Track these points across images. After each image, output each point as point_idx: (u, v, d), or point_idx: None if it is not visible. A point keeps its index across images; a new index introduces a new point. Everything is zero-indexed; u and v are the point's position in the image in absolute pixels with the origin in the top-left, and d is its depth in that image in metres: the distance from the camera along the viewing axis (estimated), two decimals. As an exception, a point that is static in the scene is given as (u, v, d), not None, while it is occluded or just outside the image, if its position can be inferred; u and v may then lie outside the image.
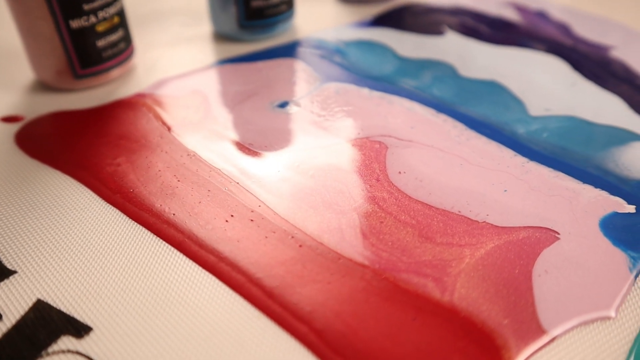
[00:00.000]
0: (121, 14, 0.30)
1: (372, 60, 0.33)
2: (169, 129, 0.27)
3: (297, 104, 0.28)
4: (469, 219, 0.21)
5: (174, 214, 0.22)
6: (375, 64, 0.32)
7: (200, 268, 0.20)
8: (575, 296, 0.19)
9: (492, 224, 0.21)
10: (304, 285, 0.19)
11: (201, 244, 0.20)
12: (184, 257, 0.20)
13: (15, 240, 0.21)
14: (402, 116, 0.27)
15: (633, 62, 0.33)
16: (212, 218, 0.21)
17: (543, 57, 0.33)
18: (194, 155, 0.25)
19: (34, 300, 0.19)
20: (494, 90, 0.30)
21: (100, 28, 0.28)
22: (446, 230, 0.21)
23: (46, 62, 0.29)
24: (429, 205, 0.22)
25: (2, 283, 0.19)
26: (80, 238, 0.21)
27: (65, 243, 0.21)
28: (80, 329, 0.18)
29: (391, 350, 0.17)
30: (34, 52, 0.29)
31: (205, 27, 0.37)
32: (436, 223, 0.21)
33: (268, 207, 0.22)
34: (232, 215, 0.21)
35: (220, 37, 0.36)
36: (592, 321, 0.18)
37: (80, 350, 0.17)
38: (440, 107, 0.28)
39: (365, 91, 0.30)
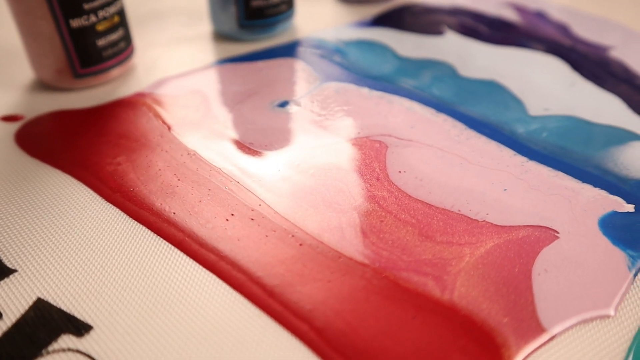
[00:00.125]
0: (121, 13, 0.30)
1: (371, 60, 0.33)
2: (169, 128, 0.27)
3: (297, 104, 0.29)
4: (468, 217, 0.21)
5: (174, 213, 0.22)
6: (375, 63, 0.32)
7: (200, 267, 0.20)
8: (574, 295, 0.19)
9: (491, 223, 0.21)
10: (304, 284, 0.19)
11: (201, 243, 0.20)
12: (184, 256, 0.20)
13: (15, 239, 0.21)
14: (402, 116, 0.27)
15: (632, 62, 0.33)
16: (212, 217, 0.21)
17: (542, 57, 0.33)
18: (194, 154, 0.25)
19: (34, 298, 0.19)
20: (493, 90, 0.30)
21: (101, 27, 0.28)
22: (446, 229, 0.21)
23: (46, 62, 0.29)
24: (429, 204, 0.22)
25: (2, 282, 0.19)
26: (80, 237, 0.21)
27: (65, 242, 0.21)
28: (80, 328, 0.18)
29: (391, 349, 0.17)
30: (34, 52, 0.29)
31: (205, 26, 0.37)
32: (436, 222, 0.21)
33: (268, 206, 0.22)
34: (232, 214, 0.22)
35: (220, 36, 0.36)
36: (592, 320, 0.18)
37: (81, 348, 0.17)
38: (440, 106, 0.28)
39: (365, 91, 0.30)
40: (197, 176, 0.23)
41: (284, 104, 0.29)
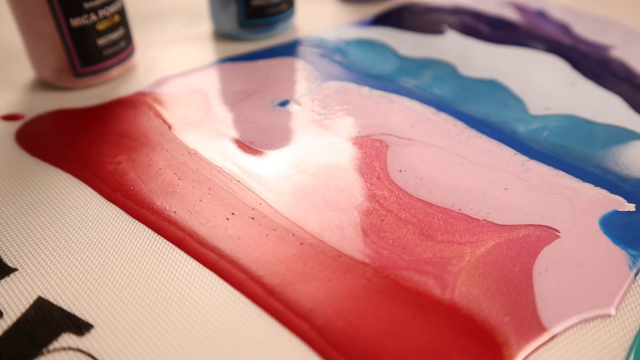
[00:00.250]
0: (122, 12, 0.30)
1: (372, 59, 0.33)
2: (169, 127, 0.27)
3: (298, 103, 0.29)
4: (469, 217, 0.21)
5: (174, 212, 0.22)
6: (376, 63, 0.32)
7: (201, 266, 0.20)
8: (575, 294, 0.19)
9: (492, 222, 0.21)
10: (305, 283, 0.19)
11: (202, 242, 0.20)
12: (185, 255, 0.20)
13: (15, 238, 0.21)
14: (403, 115, 0.27)
15: (633, 61, 0.33)
16: (212, 216, 0.21)
17: (543, 57, 0.33)
18: (194, 153, 0.25)
19: (35, 297, 0.19)
20: (494, 89, 0.30)
21: (101, 26, 0.28)
22: (447, 228, 0.21)
23: (46, 61, 0.29)
24: (430, 204, 0.22)
25: (2, 280, 0.19)
26: (81, 236, 0.21)
27: (65, 241, 0.21)
28: (81, 327, 0.18)
29: (392, 348, 0.17)
30: (35, 51, 0.29)
31: (205, 26, 0.37)
32: (437, 221, 0.21)
33: (269, 205, 0.22)
34: (232, 213, 0.21)
35: (221, 35, 0.36)
36: (593, 319, 0.18)
37: (81, 347, 0.17)
38: (440, 106, 0.28)
39: (366, 90, 0.30)
40: (197, 175, 0.23)
41: (284, 103, 0.28)
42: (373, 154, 0.25)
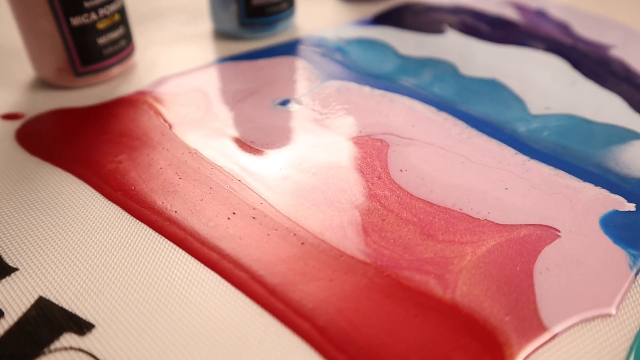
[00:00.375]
0: (122, 11, 0.30)
1: (372, 58, 0.33)
2: (170, 126, 0.27)
3: (299, 102, 0.29)
4: (470, 216, 0.21)
5: (175, 212, 0.22)
6: (376, 62, 0.32)
7: (202, 265, 0.20)
8: (576, 294, 0.19)
9: (493, 222, 0.21)
10: (306, 283, 0.19)
11: (203, 242, 0.20)
12: (186, 255, 0.20)
13: (16, 238, 0.21)
14: (403, 114, 0.27)
15: (632, 61, 0.33)
16: (214, 215, 0.21)
17: (543, 56, 0.33)
18: (195, 152, 0.25)
19: (36, 297, 0.19)
20: (494, 88, 0.30)
21: (101, 25, 0.28)
22: (448, 228, 0.21)
23: (47, 60, 0.29)
24: (431, 203, 0.22)
25: (3, 280, 0.19)
26: (81, 235, 0.21)
27: (66, 240, 0.21)
28: (82, 326, 0.18)
29: (393, 347, 0.17)
30: (35, 50, 0.29)
31: (205, 25, 0.37)
32: (438, 221, 0.21)
33: (270, 204, 0.22)
34: (234, 213, 0.21)
35: (221, 35, 0.36)
36: (593, 318, 0.18)
37: (83, 347, 0.17)
38: (441, 105, 0.28)
39: (366, 89, 0.30)
40: (198, 175, 0.23)
41: (285, 103, 0.28)
42: (374, 153, 0.25)
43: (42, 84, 0.30)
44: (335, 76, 0.31)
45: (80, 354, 0.17)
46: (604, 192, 0.23)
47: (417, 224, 0.21)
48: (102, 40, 0.29)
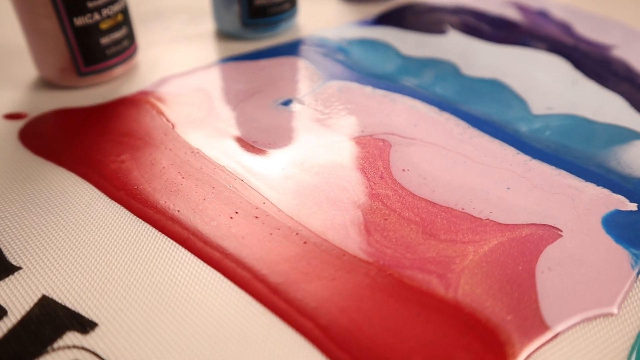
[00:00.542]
0: (125, 11, 0.30)
1: (374, 58, 0.33)
2: (172, 126, 0.27)
3: (301, 102, 0.29)
4: (472, 216, 0.21)
5: (178, 211, 0.22)
6: (378, 62, 0.32)
7: (205, 264, 0.20)
8: (578, 293, 0.19)
9: (495, 221, 0.21)
10: (309, 282, 0.19)
11: (206, 241, 0.20)
12: (189, 254, 0.20)
13: (19, 237, 0.21)
14: (405, 114, 0.28)
15: (634, 61, 0.33)
16: (216, 215, 0.21)
17: (544, 56, 0.33)
18: (198, 152, 0.25)
19: (39, 296, 0.19)
20: (496, 88, 0.30)
21: (104, 26, 0.28)
22: (450, 228, 0.21)
23: (50, 60, 0.29)
24: (433, 203, 0.22)
25: (7, 279, 0.19)
26: (84, 234, 0.21)
27: (69, 239, 0.21)
28: (85, 325, 0.18)
29: (396, 346, 0.17)
30: (38, 50, 0.29)
31: (208, 25, 0.37)
32: (440, 220, 0.21)
33: (272, 204, 0.22)
34: (236, 212, 0.22)
35: (223, 35, 0.36)
36: (595, 318, 0.18)
37: (86, 346, 0.17)
38: (442, 105, 0.28)
39: (368, 89, 0.30)
40: (201, 174, 0.24)
41: (287, 103, 0.29)
42: (376, 153, 0.25)
43: (45, 83, 0.30)
44: (337, 76, 0.31)
45: (84, 352, 0.17)
46: (606, 191, 0.23)
47: (420, 223, 0.21)
48: (105, 40, 0.29)
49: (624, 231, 0.21)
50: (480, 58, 0.33)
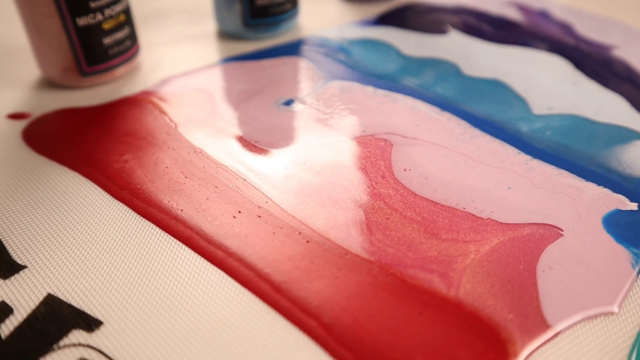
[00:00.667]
0: (127, 11, 0.30)
1: (375, 58, 0.33)
2: (175, 126, 0.27)
3: (302, 102, 0.29)
4: (473, 215, 0.22)
5: (181, 210, 0.22)
6: (379, 62, 0.32)
7: (208, 263, 0.20)
8: (578, 292, 0.19)
9: (496, 221, 0.21)
10: (312, 281, 0.19)
11: (209, 240, 0.21)
12: (193, 253, 0.20)
13: (24, 236, 0.21)
14: (407, 114, 0.28)
15: (635, 61, 0.33)
16: (219, 214, 0.22)
17: (545, 56, 0.33)
18: (200, 152, 0.25)
19: (45, 294, 0.19)
20: (497, 88, 0.30)
21: (107, 26, 0.29)
22: (451, 227, 0.21)
23: (53, 60, 0.29)
24: (434, 202, 0.22)
25: (12, 278, 0.19)
26: (89, 233, 0.21)
27: (74, 238, 0.21)
28: (90, 323, 0.18)
29: (398, 344, 0.17)
30: (41, 50, 0.29)
31: (209, 25, 0.37)
32: (441, 219, 0.21)
33: (275, 203, 0.22)
34: (239, 212, 0.22)
35: (225, 35, 0.36)
36: (596, 316, 0.18)
37: (91, 343, 0.17)
38: (444, 105, 0.28)
39: (370, 89, 0.30)
40: (203, 174, 0.24)
41: (289, 103, 0.29)
42: (378, 153, 0.25)
43: (48, 83, 0.31)
44: (339, 76, 0.31)
45: (89, 350, 0.17)
46: (607, 191, 0.23)
47: (421, 222, 0.21)
48: (107, 40, 0.29)
49: (625, 231, 0.21)
50: (481, 58, 0.33)
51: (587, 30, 0.37)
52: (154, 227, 0.21)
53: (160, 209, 0.22)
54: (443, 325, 0.18)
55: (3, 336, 0.17)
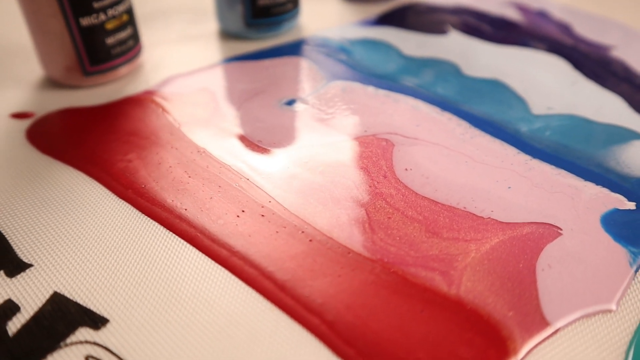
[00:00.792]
0: (130, 12, 0.30)
1: (376, 58, 0.33)
2: (178, 125, 0.27)
3: (304, 102, 0.29)
4: (474, 214, 0.22)
5: (185, 209, 0.22)
6: (380, 62, 0.33)
7: (213, 262, 0.20)
8: (577, 290, 0.19)
9: (496, 220, 0.22)
10: (315, 279, 0.19)
11: (213, 239, 0.21)
12: (197, 252, 0.20)
13: (30, 235, 0.21)
14: (408, 114, 0.28)
15: (632, 61, 0.33)
16: (223, 213, 0.22)
17: (544, 57, 0.34)
18: (203, 151, 0.25)
19: (51, 292, 0.19)
20: (496, 88, 0.30)
21: (110, 26, 0.29)
22: (452, 226, 0.21)
23: (56, 59, 0.29)
24: (435, 202, 0.23)
25: (18, 276, 0.20)
26: (94, 232, 0.21)
27: (79, 237, 0.21)
28: (97, 321, 0.18)
29: (400, 341, 0.17)
30: (44, 49, 0.29)
31: (211, 25, 0.37)
32: (442, 219, 0.22)
33: (278, 202, 0.22)
34: (243, 211, 0.22)
35: (227, 35, 0.36)
36: (594, 314, 0.19)
37: (98, 341, 0.18)
38: (444, 105, 0.29)
39: (371, 89, 0.30)
40: (207, 173, 0.24)
41: (291, 102, 0.29)
42: (379, 152, 0.25)
43: (51, 83, 0.31)
44: (340, 76, 0.31)
45: (96, 347, 0.17)
46: (605, 191, 0.23)
47: (423, 221, 0.22)
48: (110, 40, 0.29)
49: (623, 229, 0.21)
50: (481, 58, 0.33)
51: (586, 30, 0.37)
52: (159, 226, 0.22)
53: (165, 208, 0.22)
54: (444, 322, 0.18)
55: (10, 334, 0.18)
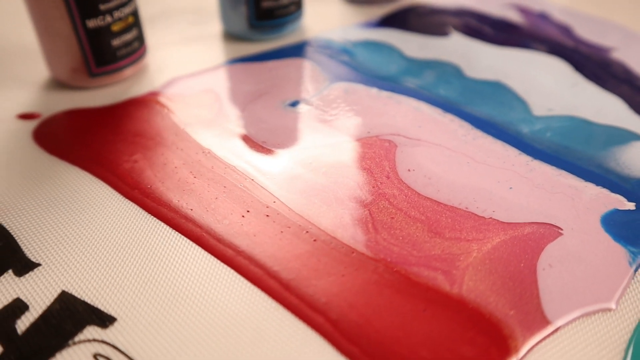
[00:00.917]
0: (135, 14, 0.30)
1: (379, 60, 0.33)
2: (183, 126, 0.27)
3: (308, 103, 0.29)
4: (476, 215, 0.22)
5: (191, 210, 0.22)
6: (383, 64, 0.33)
7: (218, 262, 0.20)
8: (577, 289, 0.19)
9: (498, 220, 0.22)
10: (319, 278, 0.20)
11: (219, 239, 0.21)
12: (203, 251, 0.21)
13: (38, 234, 0.22)
14: (410, 116, 0.28)
15: (633, 63, 0.34)
16: (228, 213, 0.22)
17: (545, 58, 0.34)
18: (208, 152, 0.26)
19: (59, 291, 0.19)
20: (498, 90, 0.31)
21: (116, 27, 0.29)
22: (454, 226, 0.22)
23: (62, 61, 0.29)
24: (438, 202, 0.23)
25: (27, 275, 0.20)
26: (101, 232, 0.22)
27: (86, 237, 0.21)
28: (104, 319, 0.18)
29: (403, 340, 0.18)
30: (50, 51, 0.29)
31: (215, 26, 0.38)
32: (445, 219, 0.22)
33: (282, 203, 0.23)
34: (248, 211, 0.22)
35: (230, 36, 0.36)
36: (594, 313, 0.19)
37: (106, 339, 0.18)
38: (446, 106, 0.29)
39: (374, 91, 0.30)
40: (212, 174, 0.24)
41: (294, 104, 0.29)
42: (382, 153, 0.25)
43: (57, 84, 0.31)
44: (342, 78, 0.31)
45: (104, 345, 0.18)
46: (605, 191, 0.24)
47: (425, 222, 0.22)
48: (116, 42, 0.29)
49: (622, 230, 0.22)
50: (482, 60, 0.34)
51: (586, 32, 0.37)
52: (165, 226, 0.22)
53: (171, 208, 0.22)
54: (447, 321, 0.18)
55: (19, 332, 0.18)
